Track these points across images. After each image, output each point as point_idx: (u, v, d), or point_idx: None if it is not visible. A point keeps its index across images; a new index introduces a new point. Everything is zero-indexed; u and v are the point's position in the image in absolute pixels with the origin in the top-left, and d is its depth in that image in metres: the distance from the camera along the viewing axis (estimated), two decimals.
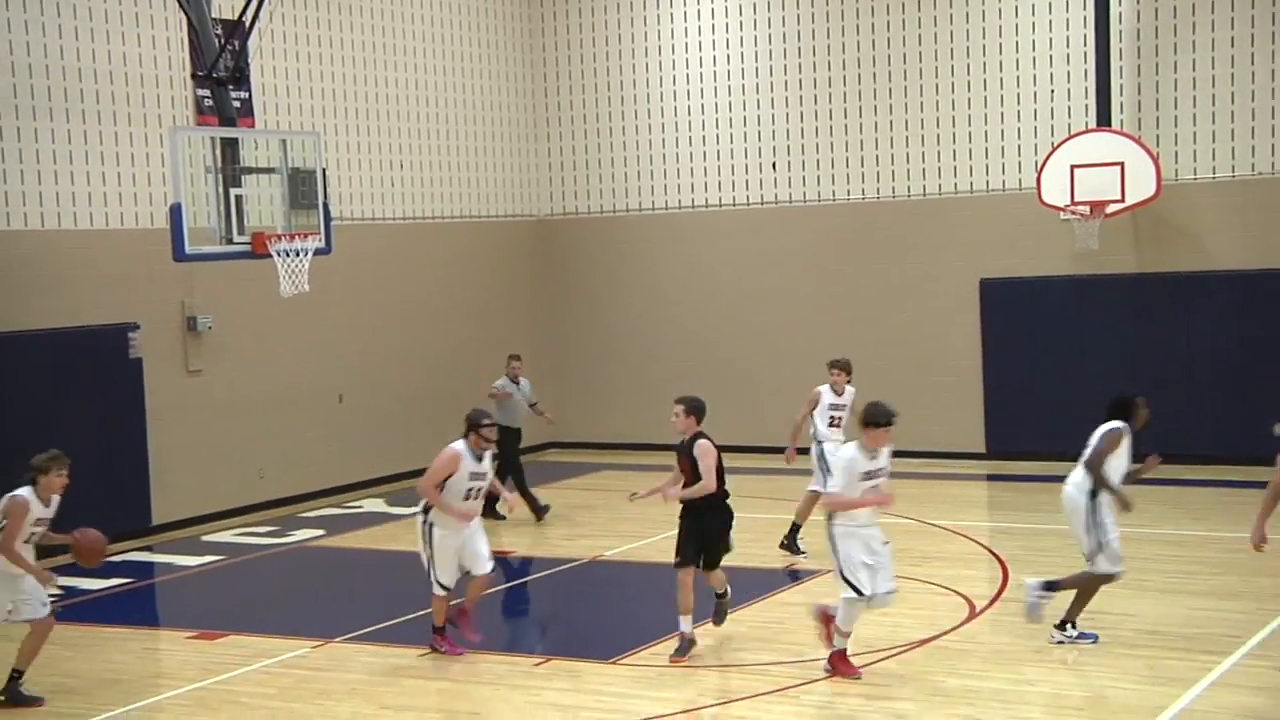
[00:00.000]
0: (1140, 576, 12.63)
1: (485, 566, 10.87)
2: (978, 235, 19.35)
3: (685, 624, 10.38)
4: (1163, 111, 18.35)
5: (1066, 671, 10.02)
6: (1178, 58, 18.24)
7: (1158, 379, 18.30)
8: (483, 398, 20.94)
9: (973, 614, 11.62)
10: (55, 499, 10.07)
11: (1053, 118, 18.90)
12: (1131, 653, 10.47)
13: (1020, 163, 19.03)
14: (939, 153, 19.64)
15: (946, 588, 12.44)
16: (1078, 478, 10.42)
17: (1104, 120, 18.18)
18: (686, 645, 10.37)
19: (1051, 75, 18.94)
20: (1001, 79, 19.24)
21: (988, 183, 19.36)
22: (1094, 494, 10.29)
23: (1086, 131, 18.15)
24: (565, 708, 9.64)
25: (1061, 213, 17.98)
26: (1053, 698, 9.47)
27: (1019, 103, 19.16)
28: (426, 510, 10.79)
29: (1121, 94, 18.39)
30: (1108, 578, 10.44)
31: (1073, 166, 17.73)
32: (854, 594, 9.71)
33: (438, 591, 10.87)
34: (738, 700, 9.62)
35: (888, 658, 10.37)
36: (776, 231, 20.61)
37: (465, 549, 10.78)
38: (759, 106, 20.72)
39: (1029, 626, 11.14)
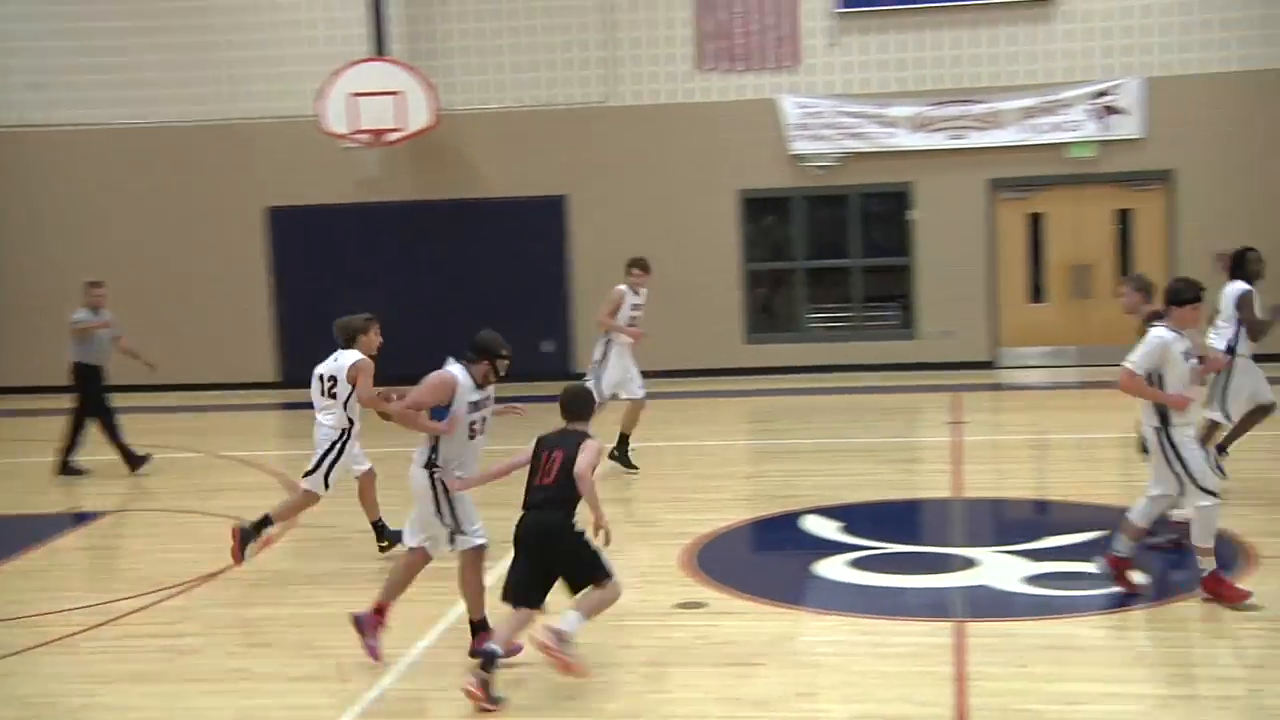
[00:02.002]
0: None
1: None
2: (263, 162, 19.17)
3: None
4: (439, 43, 18.96)
5: (358, 591, 10.18)
6: None
7: (438, 301, 19.13)
8: None
9: (268, 541, 11.54)
10: None
11: (333, 45, 19.00)
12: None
13: (303, 90, 18.99)
14: (217, 77, 19.19)
15: (238, 519, 12.27)
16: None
17: (383, 50, 18.53)
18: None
19: (329, 2, 19.06)
20: (278, 3, 19.10)
21: (271, 109, 19.17)
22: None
23: (365, 60, 18.42)
24: None
25: (344, 141, 18.18)
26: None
27: (300, 29, 19.09)
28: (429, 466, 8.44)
29: (398, 25, 18.80)
30: None
31: (353, 95, 17.95)
32: (1214, 499, 8.70)
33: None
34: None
35: (176, 594, 10.11)
36: (51, 156, 19.33)
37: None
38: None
39: (339, 550, 11.29)
